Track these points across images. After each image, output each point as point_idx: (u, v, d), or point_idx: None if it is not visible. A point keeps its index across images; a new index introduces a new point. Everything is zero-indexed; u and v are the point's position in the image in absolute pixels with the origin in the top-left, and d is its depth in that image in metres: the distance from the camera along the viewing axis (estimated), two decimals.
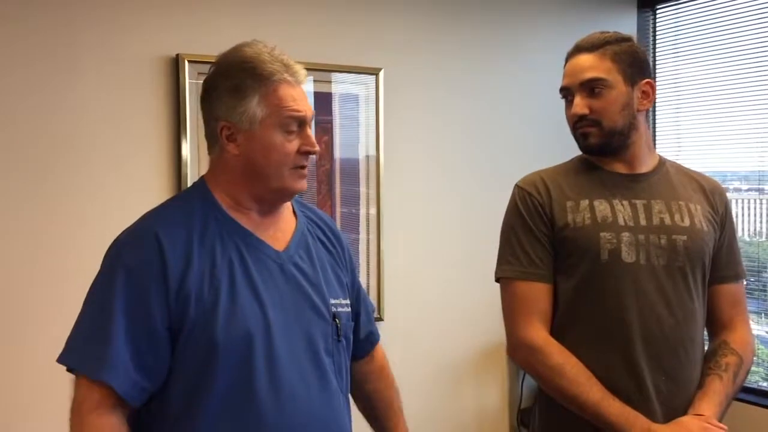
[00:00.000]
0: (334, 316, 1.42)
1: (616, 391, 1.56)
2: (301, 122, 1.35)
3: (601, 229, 1.59)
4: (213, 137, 1.37)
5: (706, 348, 1.71)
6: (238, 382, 1.27)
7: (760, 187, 3.34)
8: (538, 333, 1.61)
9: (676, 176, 1.71)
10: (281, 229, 1.42)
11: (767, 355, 3.36)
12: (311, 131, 1.38)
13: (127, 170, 2.52)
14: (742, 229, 3.48)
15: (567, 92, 1.66)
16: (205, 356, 1.26)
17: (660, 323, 1.58)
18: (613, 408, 1.52)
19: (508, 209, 1.72)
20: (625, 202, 1.63)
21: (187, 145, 2.58)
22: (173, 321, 1.26)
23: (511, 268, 1.66)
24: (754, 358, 3.20)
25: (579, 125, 1.64)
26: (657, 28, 3.63)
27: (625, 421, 1.51)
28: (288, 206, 1.47)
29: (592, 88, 1.60)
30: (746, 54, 3.27)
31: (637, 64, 1.63)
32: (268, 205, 1.40)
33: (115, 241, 1.34)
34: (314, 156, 1.42)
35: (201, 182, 1.41)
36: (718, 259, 1.69)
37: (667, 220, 1.62)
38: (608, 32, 1.66)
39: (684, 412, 1.58)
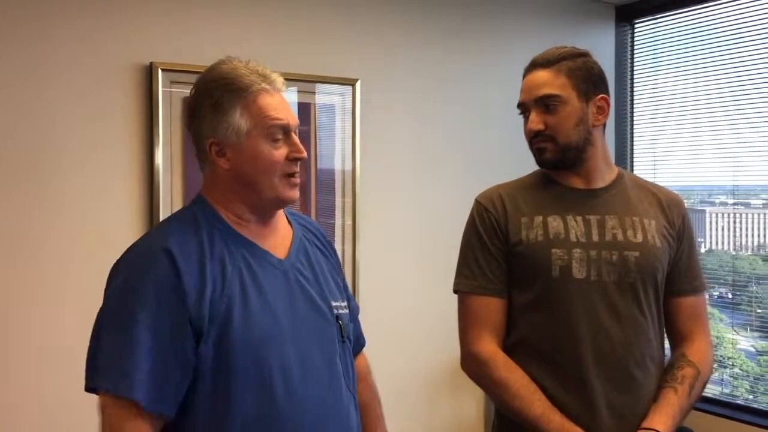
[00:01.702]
0: (337, 318, 1.46)
1: (565, 405, 1.56)
2: (286, 130, 1.39)
3: (553, 246, 1.61)
4: (203, 155, 1.41)
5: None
6: (256, 389, 1.30)
7: (746, 201, 3.34)
8: (487, 346, 1.63)
9: (633, 190, 1.71)
10: (281, 237, 1.46)
11: (752, 369, 3.35)
12: (296, 138, 1.41)
13: (100, 178, 2.52)
14: (728, 243, 3.47)
15: (524, 108, 1.68)
16: (222, 364, 1.29)
17: (610, 339, 1.58)
18: (553, 423, 1.53)
19: (467, 223, 1.75)
20: (579, 218, 1.64)
21: (159, 152, 2.59)
22: (195, 329, 1.28)
23: (465, 281, 1.68)
24: (739, 372, 3.21)
25: (535, 140, 1.66)
26: (635, 43, 3.65)
27: None
28: (282, 215, 1.51)
29: (546, 104, 1.62)
30: (724, 68, 3.29)
31: (591, 79, 1.64)
32: (265, 215, 1.43)
33: (121, 260, 1.34)
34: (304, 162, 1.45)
35: (199, 198, 1.44)
36: (676, 272, 1.69)
37: (620, 236, 1.63)
38: (565, 47, 1.67)
39: (639, 425, 1.58)
